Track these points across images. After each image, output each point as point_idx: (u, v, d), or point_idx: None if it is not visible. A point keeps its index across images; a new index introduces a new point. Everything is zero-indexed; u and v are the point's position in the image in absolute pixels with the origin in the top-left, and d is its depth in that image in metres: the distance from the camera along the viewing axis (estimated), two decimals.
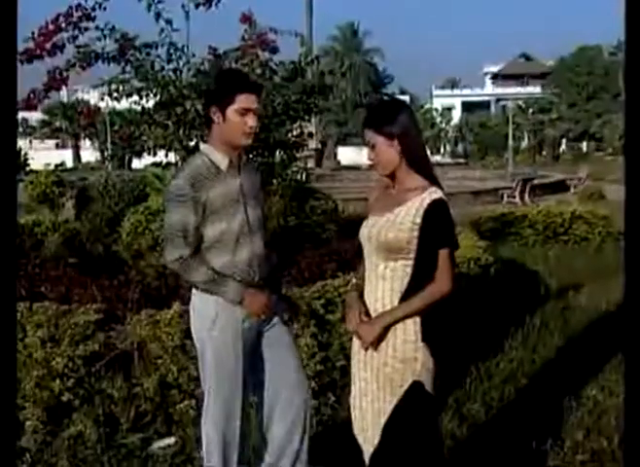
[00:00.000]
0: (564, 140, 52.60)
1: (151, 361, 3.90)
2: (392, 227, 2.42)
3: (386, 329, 2.43)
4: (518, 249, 9.40)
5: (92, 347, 3.83)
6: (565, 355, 4.95)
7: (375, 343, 2.44)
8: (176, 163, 7.12)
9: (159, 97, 5.76)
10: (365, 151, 2.61)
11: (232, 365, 2.77)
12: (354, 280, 2.62)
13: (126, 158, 32.98)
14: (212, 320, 2.75)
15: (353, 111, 55.49)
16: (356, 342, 2.56)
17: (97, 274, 5.11)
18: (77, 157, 49.43)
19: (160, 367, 3.87)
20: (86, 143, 50.73)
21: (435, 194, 2.43)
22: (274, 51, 5.86)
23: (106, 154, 38.72)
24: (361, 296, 2.55)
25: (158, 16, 5.40)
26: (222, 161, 2.74)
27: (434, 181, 2.49)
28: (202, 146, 2.84)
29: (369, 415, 2.51)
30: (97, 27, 5.33)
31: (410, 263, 2.43)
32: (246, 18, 5.84)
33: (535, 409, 4.01)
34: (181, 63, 5.72)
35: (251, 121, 2.69)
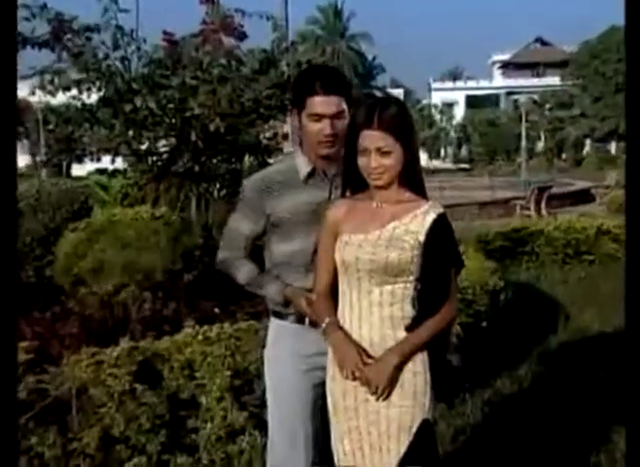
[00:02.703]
0: (588, 141, 53.01)
1: (92, 410, 3.88)
2: (391, 245, 2.45)
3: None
4: (534, 271, 9.47)
5: (20, 395, 3.80)
6: (590, 400, 4.96)
7: (389, 387, 2.45)
8: (124, 171, 7.13)
9: (103, 92, 5.77)
10: None
11: (290, 399, 2.83)
12: (327, 319, 2.57)
13: (64, 163, 32.79)
14: (271, 344, 2.94)
15: None
16: (337, 387, 2.55)
17: (27, 305, 5.07)
18: None
19: (104, 417, 3.84)
20: None
21: (437, 208, 2.50)
22: (242, 37, 5.91)
23: (38, 158, 38.48)
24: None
25: None
26: (303, 169, 2.81)
27: (423, 193, 2.56)
28: (295, 149, 2.94)
29: None
30: (25, 5, 5.33)
31: (410, 285, 2.47)
32: None
33: (557, 465, 4.03)
34: (129, 51, 5.75)
35: (327, 128, 2.69)
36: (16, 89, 2.25)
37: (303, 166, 2.80)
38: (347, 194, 2.64)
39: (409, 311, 2.48)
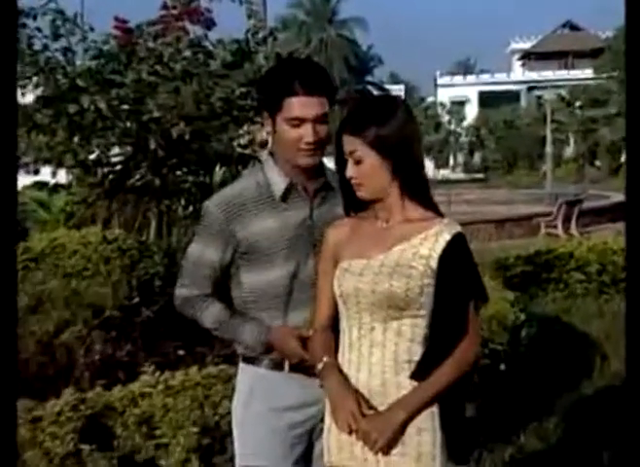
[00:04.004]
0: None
1: None
2: (396, 272, 2.44)
3: None
4: (562, 303, 9.48)
5: None
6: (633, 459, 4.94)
7: (389, 445, 2.43)
8: (69, 185, 7.12)
9: (41, 90, 5.78)
10: None
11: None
12: (325, 359, 2.57)
13: None
14: (244, 399, 2.88)
15: None
16: (333, 440, 2.54)
17: None
18: None
19: None
20: None
21: (453, 226, 2.50)
22: (210, 24, 5.94)
23: None
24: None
25: None
26: (278, 184, 2.79)
27: (436, 210, 2.55)
28: (265, 159, 2.90)
29: None
30: None
31: (420, 321, 2.46)
32: None
33: None
34: (73, 41, 5.76)
35: (310, 134, 2.68)
36: (15, 95, 2.29)
37: (278, 181, 2.79)
38: (351, 212, 2.66)
39: (418, 353, 2.47)
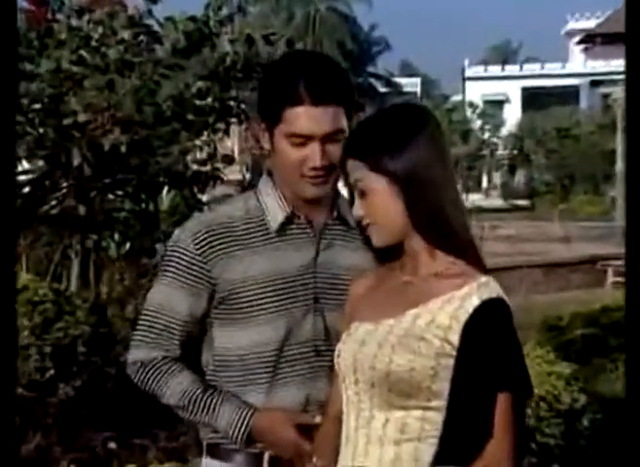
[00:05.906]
0: None
1: None
2: (401, 344, 2.41)
3: None
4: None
5: None
6: None
7: None
8: None
9: None
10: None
11: None
12: (314, 460, 2.60)
13: None
14: None
15: None
16: None
17: None
18: None
19: None
20: None
21: (489, 288, 2.43)
22: None
23: None
24: None
25: None
26: (275, 212, 2.81)
27: (474, 259, 2.52)
28: (262, 180, 2.92)
29: None
30: None
31: (433, 415, 2.43)
32: None
33: None
34: None
35: (317, 157, 2.68)
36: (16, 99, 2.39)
37: (276, 209, 2.81)
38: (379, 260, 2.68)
39: (428, 456, 2.42)
